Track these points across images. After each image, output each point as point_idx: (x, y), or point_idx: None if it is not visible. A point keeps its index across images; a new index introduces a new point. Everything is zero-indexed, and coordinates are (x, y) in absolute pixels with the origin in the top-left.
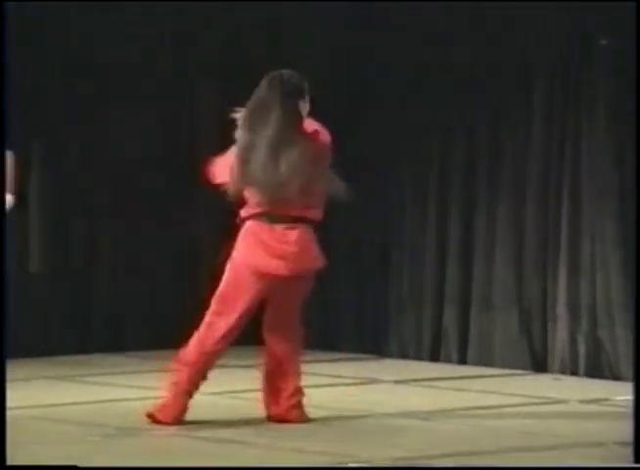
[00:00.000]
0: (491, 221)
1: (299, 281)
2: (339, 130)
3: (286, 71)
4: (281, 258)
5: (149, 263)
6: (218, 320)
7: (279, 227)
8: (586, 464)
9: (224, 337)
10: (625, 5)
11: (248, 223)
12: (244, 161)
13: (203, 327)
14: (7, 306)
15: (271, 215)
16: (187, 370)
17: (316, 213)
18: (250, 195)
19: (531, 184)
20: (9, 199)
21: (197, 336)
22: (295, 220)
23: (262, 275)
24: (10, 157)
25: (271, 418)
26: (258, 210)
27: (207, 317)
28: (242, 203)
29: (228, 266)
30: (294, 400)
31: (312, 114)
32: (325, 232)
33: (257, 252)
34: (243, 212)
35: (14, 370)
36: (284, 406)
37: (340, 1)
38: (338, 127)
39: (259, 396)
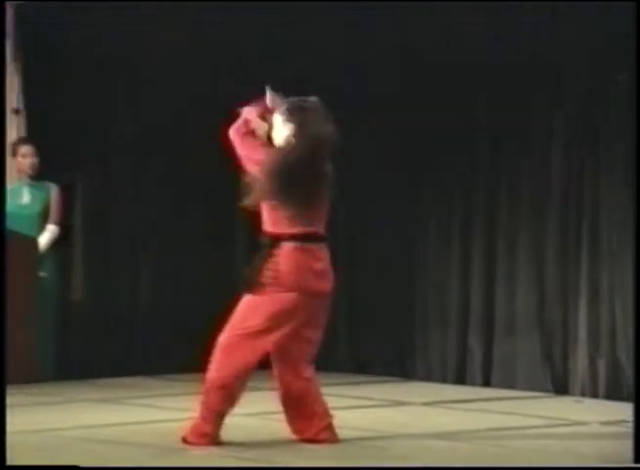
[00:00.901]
0: (513, 248)
1: (327, 298)
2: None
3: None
4: (322, 275)
5: (192, 286)
6: (261, 341)
7: (314, 246)
8: None
9: (261, 358)
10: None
11: (285, 245)
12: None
13: (238, 348)
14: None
15: (305, 236)
16: (219, 392)
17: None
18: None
19: (552, 213)
20: (54, 229)
21: (231, 357)
22: (320, 239)
23: (311, 296)
24: (55, 190)
25: (303, 441)
26: (294, 230)
27: (244, 339)
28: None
29: (269, 288)
30: (325, 423)
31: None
32: (351, 258)
33: (303, 273)
34: (274, 230)
35: (57, 392)
36: (314, 429)
37: (340, 1)
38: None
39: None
